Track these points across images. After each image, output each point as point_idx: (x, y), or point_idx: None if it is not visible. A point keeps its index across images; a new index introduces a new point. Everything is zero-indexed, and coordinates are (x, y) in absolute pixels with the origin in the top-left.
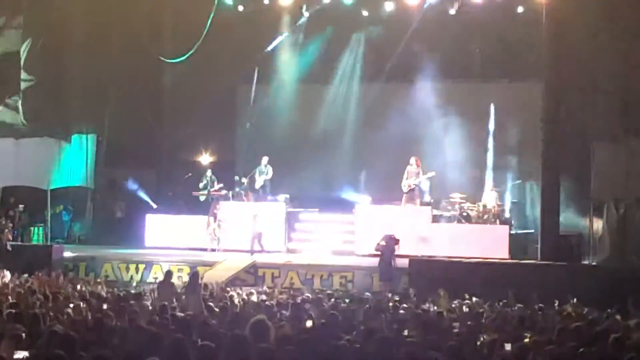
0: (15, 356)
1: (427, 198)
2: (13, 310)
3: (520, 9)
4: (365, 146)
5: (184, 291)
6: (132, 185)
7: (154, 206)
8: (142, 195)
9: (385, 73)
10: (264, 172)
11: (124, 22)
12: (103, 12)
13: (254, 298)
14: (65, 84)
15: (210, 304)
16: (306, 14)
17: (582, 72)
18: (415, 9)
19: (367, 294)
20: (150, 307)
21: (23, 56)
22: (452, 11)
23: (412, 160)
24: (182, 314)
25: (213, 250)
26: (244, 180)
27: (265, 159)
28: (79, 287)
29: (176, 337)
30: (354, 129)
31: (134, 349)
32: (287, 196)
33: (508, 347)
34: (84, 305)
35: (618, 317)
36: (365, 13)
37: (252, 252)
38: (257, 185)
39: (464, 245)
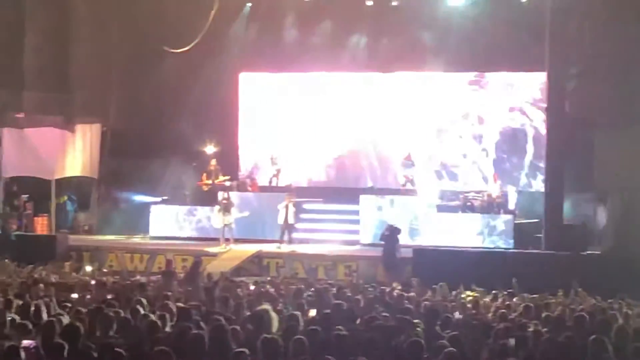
0: (22, 345)
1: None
2: (19, 301)
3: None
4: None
5: (183, 280)
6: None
7: (157, 200)
8: (142, 197)
9: (388, 63)
10: (274, 162)
11: (127, 11)
12: (107, 1)
13: (259, 288)
14: (69, 75)
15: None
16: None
17: (585, 61)
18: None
19: (371, 284)
20: (153, 297)
21: (27, 46)
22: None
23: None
24: (183, 304)
25: (227, 240)
26: (249, 170)
27: (274, 150)
28: (83, 276)
29: (180, 326)
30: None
31: (138, 338)
32: (292, 185)
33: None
34: (89, 295)
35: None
36: (369, 3)
37: (280, 242)
38: (268, 175)
39: (468, 235)
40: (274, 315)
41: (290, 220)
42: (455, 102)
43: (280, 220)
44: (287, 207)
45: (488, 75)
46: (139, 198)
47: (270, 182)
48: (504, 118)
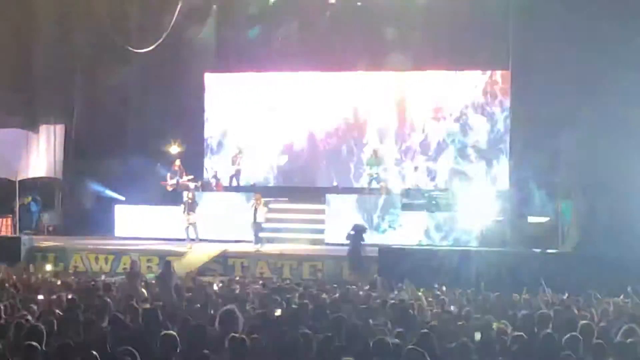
0: None
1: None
2: None
3: None
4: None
5: (155, 281)
6: (96, 187)
7: (122, 199)
8: (108, 192)
9: (348, 60)
10: (235, 162)
11: (90, 10)
12: (69, 0)
13: (224, 287)
14: (33, 75)
15: (182, 293)
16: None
17: (550, 58)
18: None
19: (336, 283)
20: (118, 298)
21: None
22: None
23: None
24: (148, 305)
25: (192, 240)
26: (214, 170)
27: (236, 149)
28: (47, 278)
29: (143, 327)
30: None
31: (102, 339)
32: (255, 185)
33: (477, 335)
34: (53, 297)
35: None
36: (332, 1)
37: (258, 241)
38: (228, 175)
39: (433, 233)
40: (239, 315)
41: (259, 220)
42: (421, 100)
43: (250, 219)
44: (255, 207)
45: (451, 73)
46: (103, 198)
47: (230, 181)
48: (468, 115)
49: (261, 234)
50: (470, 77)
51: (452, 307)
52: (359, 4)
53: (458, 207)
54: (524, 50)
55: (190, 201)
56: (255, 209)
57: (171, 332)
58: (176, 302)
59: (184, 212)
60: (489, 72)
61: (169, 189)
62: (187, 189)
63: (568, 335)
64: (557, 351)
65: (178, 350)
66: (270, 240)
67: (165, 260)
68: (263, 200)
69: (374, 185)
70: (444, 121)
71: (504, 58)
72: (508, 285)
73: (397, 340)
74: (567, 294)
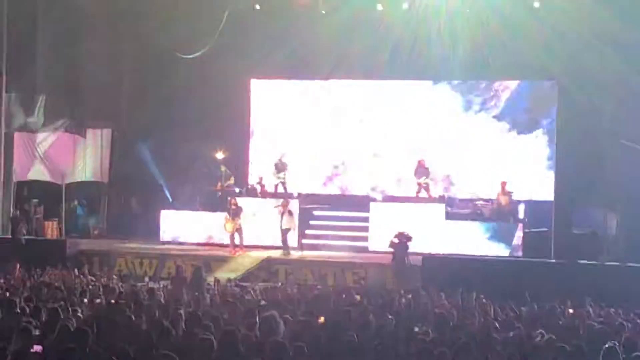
0: (31, 350)
1: (438, 196)
2: (28, 304)
3: (536, 4)
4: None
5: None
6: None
7: (170, 199)
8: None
9: (399, 69)
10: (279, 169)
11: (139, 16)
12: (117, 6)
13: (266, 293)
14: (81, 79)
15: (225, 299)
16: (323, 12)
17: (596, 68)
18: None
19: (379, 291)
20: (162, 302)
21: (38, 50)
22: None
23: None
24: (191, 310)
25: (236, 246)
26: (259, 176)
27: (281, 155)
28: (92, 281)
29: (186, 331)
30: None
31: (146, 343)
32: (300, 194)
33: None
34: (98, 300)
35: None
36: (380, 7)
37: (285, 248)
38: (273, 181)
39: (477, 243)
40: (280, 320)
41: (286, 226)
42: (466, 110)
43: (277, 226)
44: (281, 214)
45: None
46: (149, 203)
47: (276, 188)
48: (513, 125)
49: (304, 241)
50: (517, 86)
51: (497, 317)
52: (404, 7)
53: (503, 216)
54: (570, 60)
55: (234, 207)
56: (282, 216)
57: (209, 336)
58: (209, 306)
59: (228, 217)
60: (535, 82)
61: (217, 190)
62: (233, 194)
63: (610, 346)
64: None
65: (214, 355)
66: (313, 247)
67: (194, 267)
68: (287, 208)
69: (422, 194)
70: (490, 131)
71: (550, 68)
72: (553, 296)
73: (441, 349)
74: (612, 306)
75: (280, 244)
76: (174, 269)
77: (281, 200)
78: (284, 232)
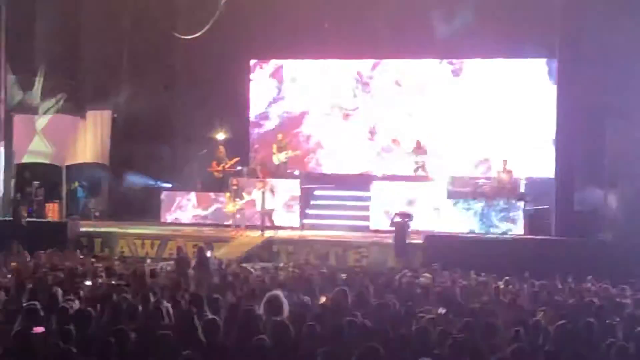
0: (32, 330)
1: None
2: (30, 286)
3: None
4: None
5: (193, 268)
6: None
7: (168, 186)
8: (153, 182)
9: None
10: (280, 149)
11: None
12: None
13: (269, 274)
14: (80, 61)
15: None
16: None
17: (598, 46)
18: None
19: (381, 270)
20: (165, 283)
21: (37, 31)
22: None
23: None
24: (195, 290)
25: (237, 226)
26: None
27: (280, 136)
28: (94, 263)
29: (188, 311)
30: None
31: (149, 324)
32: (302, 172)
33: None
34: (99, 281)
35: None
36: None
37: (262, 228)
38: (275, 161)
39: (478, 221)
40: (284, 300)
41: (268, 206)
42: (467, 88)
43: (258, 206)
44: (263, 193)
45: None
46: (150, 184)
47: (277, 169)
48: (514, 103)
49: (305, 221)
50: (518, 65)
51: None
52: None
53: (504, 194)
54: (571, 38)
55: (236, 187)
56: (264, 195)
57: (214, 316)
58: (218, 287)
59: (230, 198)
60: (536, 60)
61: (217, 175)
62: (234, 175)
63: (612, 323)
64: (602, 339)
65: (220, 334)
66: (314, 227)
67: (199, 246)
68: (268, 186)
69: (420, 172)
70: (489, 109)
71: (551, 46)
72: (554, 274)
73: (442, 328)
74: (614, 284)
75: (284, 224)
76: (175, 249)
77: (258, 180)
78: (268, 212)
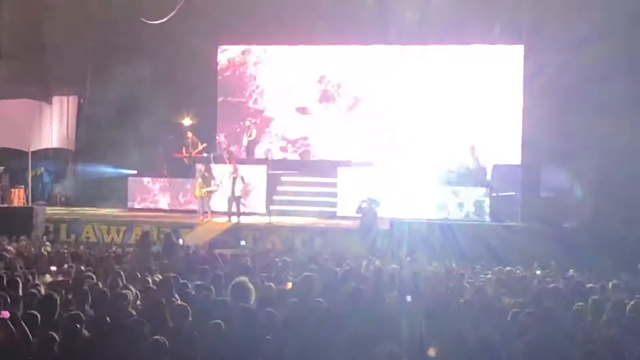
0: None
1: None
2: None
3: None
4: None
5: (161, 253)
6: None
7: (133, 172)
8: (119, 171)
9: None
10: (247, 134)
11: None
12: None
13: (234, 260)
14: (45, 46)
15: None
16: None
17: (564, 34)
18: None
19: (347, 256)
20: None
21: (1, 15)
22: None
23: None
24: (160, 276)
25: (205, 212)
26: (226, 142)
27: (247, 121)
28: (59, 248)
29: (155, 298)
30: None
31: (114, 310)
32: (268, 158)
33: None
34: (65, 267)
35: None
36: None
37: (229, 214)
38: (241, 147)
39: (445, 207)
40: (251, 286)
41: (237, 193)
42: (433, 75)
43: (228, 193)
44: (234, 179)
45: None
46: (116, 170)
47: (245, 154)
48: (479, 90)
49: (271, 207)
50: (483, 51)
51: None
52: None
53: (470, 181)
54: (537, 25)
55: (207, 174)
56: (234, 181)
57: (182, 303)
58: (186, 273)
59: (197, 184)
60: (501, 47)
61: (186, 161)
62: (202, 161)
63: (578, 309)
64: (569, 325)
65: (189, 320)
66: (281, 213)
67: (165, 232)
68: (239, 174)
69: (389, 159)
70: (455, 96)
71: (517, 32)
72: (519, 260)
73: (409, 314)
74: (578, 270)
75: (251, 210)
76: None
77: (230, 167)
78: (236, 199)
